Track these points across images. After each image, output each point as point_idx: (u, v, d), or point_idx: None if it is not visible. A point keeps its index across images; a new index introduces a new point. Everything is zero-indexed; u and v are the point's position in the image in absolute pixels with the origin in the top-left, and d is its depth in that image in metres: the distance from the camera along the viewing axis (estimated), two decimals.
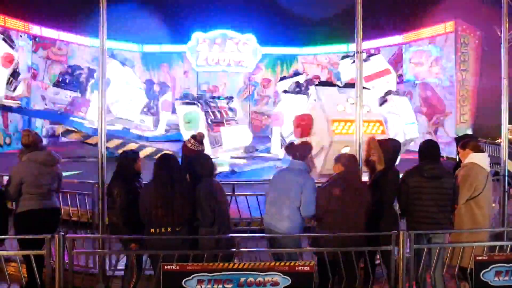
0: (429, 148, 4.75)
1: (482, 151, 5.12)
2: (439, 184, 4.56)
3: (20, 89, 13.52)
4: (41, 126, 17.98)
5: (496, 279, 4.10)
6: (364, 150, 5.04)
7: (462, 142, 5.18)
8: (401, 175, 4.84)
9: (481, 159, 4.94)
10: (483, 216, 4.84)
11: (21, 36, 17.95)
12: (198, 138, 5.11)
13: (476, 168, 4.84)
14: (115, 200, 4.48)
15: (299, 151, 4.71)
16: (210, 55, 23.19)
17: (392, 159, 4.89)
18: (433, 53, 18.03)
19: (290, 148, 4.85)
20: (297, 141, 6.56)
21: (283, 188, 4.55)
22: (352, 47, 21.14)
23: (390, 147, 4.95)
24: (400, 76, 19.61)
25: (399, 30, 19.60)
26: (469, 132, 16.78)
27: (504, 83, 6.53)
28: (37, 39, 18.84)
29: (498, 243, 4.57)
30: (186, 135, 10.45)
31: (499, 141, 10.94)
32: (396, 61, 19.80)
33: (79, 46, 20.72)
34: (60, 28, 19.92)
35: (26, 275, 4.38)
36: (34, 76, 18.62)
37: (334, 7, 17.72)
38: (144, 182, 4.74)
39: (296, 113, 7.98)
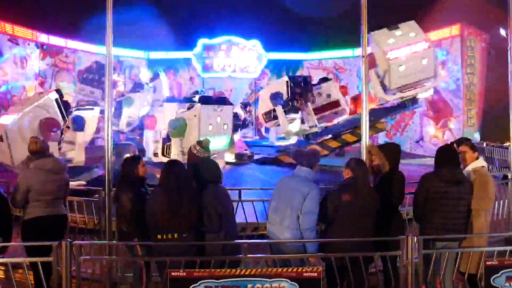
0: (448, 153, 4.69)
1: None
2: (460, 190, 4.51)
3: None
4: None
5: (507, 284, 4.03)
6: (366, 158, 5.09)
7: (472, 144, 5.15)
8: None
9: (485, 163, 5.05)
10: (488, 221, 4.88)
11: (28, 44, 18.12)
12: (204, 145, 5.06)
13: (488, 172, 4.90)
14: (123, 206, 4.47)
15: (306, 159, 4.56)
16: (216, 61, 23.23)
17: (396, 162, 4.89)
18: (439, 56, 17.97)
19: (298, 155, 4.69)
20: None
21: (286, 197, 4.42)
22: (357, 51, 21.12)
23: (392, 151, 4.96)
24: None
25: None
26: (477, 135, 16.70)
27: (511, 86, 6.49)
28: (44, 47, 19.01)
29: (508, 248, 4.52)
30: None
31: (507, 144, 10.86)
32: None
33: (86, 53, 20.86)
34: (67, 35, 20.09)
35: (33, 282, 4.39)
36: (41, 84, 18.77)
37: (339, 12, 17.71)
38: (150, 188, 4.75)
39: None
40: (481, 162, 4.92)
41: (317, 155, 4.70)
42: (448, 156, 4.65)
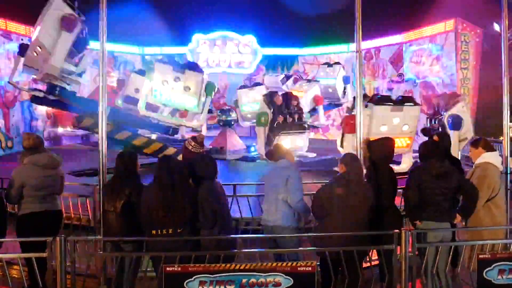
0: (433, 147, 4.69)
1: (493, 149, 5.00)
2: (446, 182, 4.49)
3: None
4: (42, 128, 18.02)
5: (499, 277, 4.07)
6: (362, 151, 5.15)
7: (474, 140, 5.11)
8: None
9: (494, 158, 4.83)
10: (502, 215, 4.78)
11: (22, 39, 17.98)
12: (198, 140, 5.01)
13: (491, 168, 4.74)
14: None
15: (273, 153, 5.15)
16: (211, 57, 23.18)
17: (386, 157, 4.89)
18: (434, 51, 18.00)
19: (267, 154, 5.49)
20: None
21: (271, 184, 4.87)
22: (352, 47, 21.12)
23: (380, 145, 4.98)
24: (400, 75, 19.58)
25: (399, 29, 19.55)
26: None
27: (505, 80, 6.52)
28: None
29: (500, 241, 4.55)
30: None
31: (500, 139, 10.91)
32: (397, 60, 19.78)
33: None
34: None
35: (28, 278, 4.38)
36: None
37: (334, 7, 17.69)
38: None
39: None
40: (484, 158, 4.82)
41: (280, 148, 5.25)
42: (434, 149, 4.64)
